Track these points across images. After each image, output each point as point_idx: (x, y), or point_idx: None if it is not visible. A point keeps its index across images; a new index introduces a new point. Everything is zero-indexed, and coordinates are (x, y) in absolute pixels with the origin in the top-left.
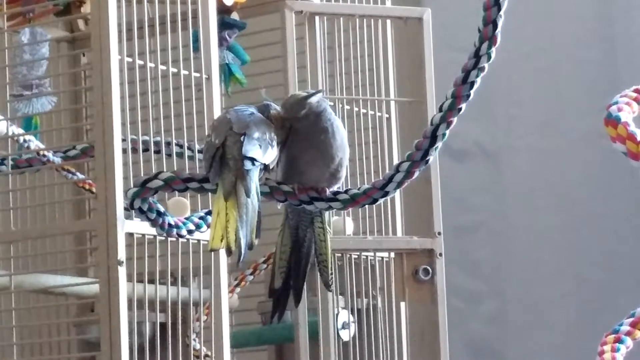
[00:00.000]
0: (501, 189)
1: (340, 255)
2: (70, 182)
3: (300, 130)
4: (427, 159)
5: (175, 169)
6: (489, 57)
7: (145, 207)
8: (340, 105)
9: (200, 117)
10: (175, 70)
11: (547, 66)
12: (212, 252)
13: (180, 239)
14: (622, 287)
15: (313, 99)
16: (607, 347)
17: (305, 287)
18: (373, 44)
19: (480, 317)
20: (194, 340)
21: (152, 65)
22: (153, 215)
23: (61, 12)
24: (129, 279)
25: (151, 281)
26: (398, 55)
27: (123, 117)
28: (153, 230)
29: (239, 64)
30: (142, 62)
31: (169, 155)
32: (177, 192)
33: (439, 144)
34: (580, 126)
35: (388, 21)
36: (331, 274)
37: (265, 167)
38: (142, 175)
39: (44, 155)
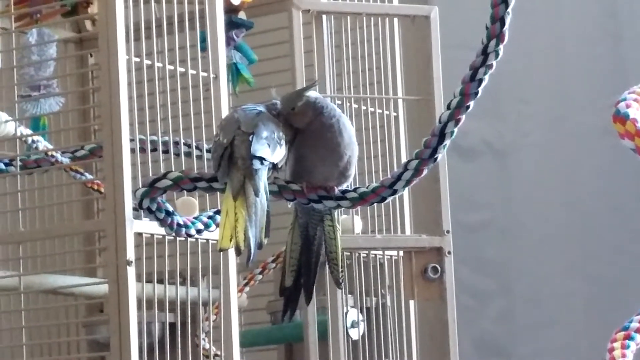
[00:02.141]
0: (509, 187)
1: (349, 253)
2: (78, 182)
3: (307, 129)
4: (435, 156)
5: (183, 168)
6: (497, 55)
7: (153, 207)
8: (348, 104)
9: (208, 117)
10: (182, 70)
11: (555, 63)
12: (221, 252)
13: (189, 239)
14: (631, 284)
15: (310, 92)
16: (617, 344)
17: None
18: (380, 43)
19: (489, 315)
20: (204, 340)
21: (160, 65)
22: (162, 215)
23: (68, 12)
24: (138, 279)
25: (160, 281)
26: (405, 54)
27: (131, 117)
28: (162, 230)
29: (247, 63)
30: (149, 62)
31: (177, 155)
32: (185, 192)
33: (447, 142)
34: (589, 123)
35: (395, 19)
36: (341, 271)
37: (274, 166)
38: (150, 175)
39: (52, 156)
